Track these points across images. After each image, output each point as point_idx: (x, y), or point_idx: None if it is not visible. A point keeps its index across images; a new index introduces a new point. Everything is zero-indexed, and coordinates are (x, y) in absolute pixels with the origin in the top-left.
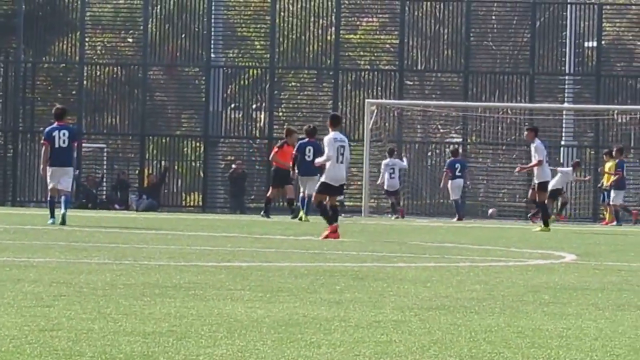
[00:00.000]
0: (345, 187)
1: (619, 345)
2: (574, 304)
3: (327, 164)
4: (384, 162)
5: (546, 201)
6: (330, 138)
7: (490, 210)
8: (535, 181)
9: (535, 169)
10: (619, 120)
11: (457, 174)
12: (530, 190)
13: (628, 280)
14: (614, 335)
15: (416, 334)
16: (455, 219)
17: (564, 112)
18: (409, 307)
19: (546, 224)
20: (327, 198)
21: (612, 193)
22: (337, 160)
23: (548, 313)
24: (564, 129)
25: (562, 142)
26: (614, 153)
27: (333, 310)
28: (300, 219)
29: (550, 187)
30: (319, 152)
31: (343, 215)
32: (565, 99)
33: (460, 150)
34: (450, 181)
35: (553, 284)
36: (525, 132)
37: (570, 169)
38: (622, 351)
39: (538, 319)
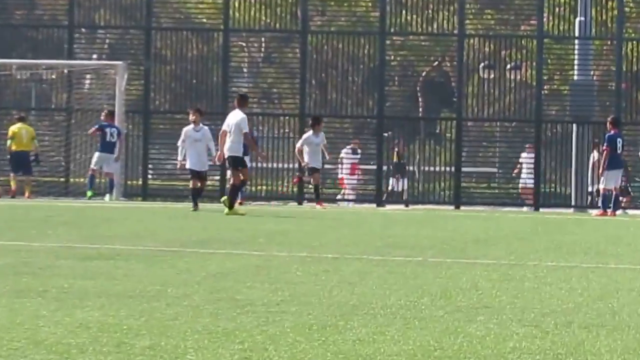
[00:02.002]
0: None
1: (17, 337)
2: None
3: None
4: None
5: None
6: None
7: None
8: None
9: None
10: (19, 77)
11: None
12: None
13: (28, 262)
14: (11, 326)
15: None
16: None
17: None
18: None
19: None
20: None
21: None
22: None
23: None
24: None
25: None
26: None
27: None
28: None
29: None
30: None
31: None
32: None
33: None
34: None
35: None
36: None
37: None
38: (20, 344)
39: None
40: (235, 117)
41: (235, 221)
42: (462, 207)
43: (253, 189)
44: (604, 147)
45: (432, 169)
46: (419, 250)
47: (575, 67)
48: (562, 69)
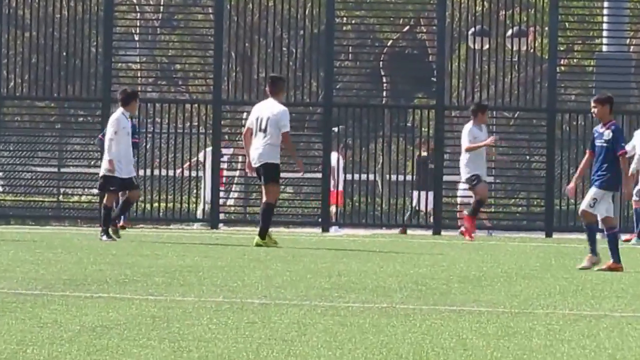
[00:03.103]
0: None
1: None
2: None
3: None
4: None
5: None
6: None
7: None
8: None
9: None
10: None
11: None
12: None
13: None
14: None
15: None
16: None
17: None
18: None
19: None
20: None
21: None
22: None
23: None
24: None
25: None
26: None
27: None
28: None
29: None
30: None
31: None
32: None
33: None
34: None
35: None
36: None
37: None
38: None
39: None
40: (269, 108)
41: (124, 253)
42: (444, 232)
43: (147, 206)
44: None
45: (401, 177)
46: (382, 294)
47: (604, 33)
48: (585, 35)
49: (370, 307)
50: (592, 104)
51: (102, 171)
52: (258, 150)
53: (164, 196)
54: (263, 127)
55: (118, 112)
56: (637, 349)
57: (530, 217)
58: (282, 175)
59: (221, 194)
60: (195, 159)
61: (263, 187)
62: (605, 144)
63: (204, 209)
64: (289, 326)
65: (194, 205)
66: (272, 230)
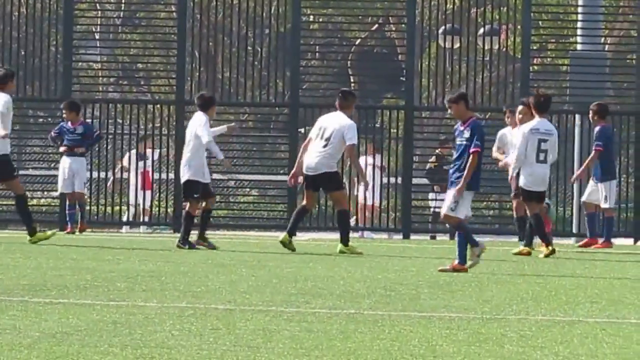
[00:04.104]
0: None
1: None
2: None
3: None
4: None
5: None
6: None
7: None
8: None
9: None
10: None
11: None
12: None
13: None
14: None
15: None
16: None
17: None
18: None
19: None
20: None
21: None
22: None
23: None
24: None
25: None
26: None
27: None
28: None
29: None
30: None
31: None
32: None
33: None
34: None
35: None
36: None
37: None
38: None
39: None
40: (337, 120)
41: (85, 258)
42: (414, 237)
43: (108, 210)
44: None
45: (369, 180)
46: (350, 300)
47: (579, 31)
48: (559, 34)
49: (338, 313)
50: (447, 105)
51: (187, 176)
52: (315, 158)
53: (125, 199)
54: (327, 136)
55: (204, 117)
56: (612, 355)
57: (502, 221)
58: (246, 177)
59: (147, 197)
60: (120, 165)
61: (329, 197)
62: (465, 142)
63: (131, 213)
64: (254, 332)
65: (162, 209)
66: (241, 234)
